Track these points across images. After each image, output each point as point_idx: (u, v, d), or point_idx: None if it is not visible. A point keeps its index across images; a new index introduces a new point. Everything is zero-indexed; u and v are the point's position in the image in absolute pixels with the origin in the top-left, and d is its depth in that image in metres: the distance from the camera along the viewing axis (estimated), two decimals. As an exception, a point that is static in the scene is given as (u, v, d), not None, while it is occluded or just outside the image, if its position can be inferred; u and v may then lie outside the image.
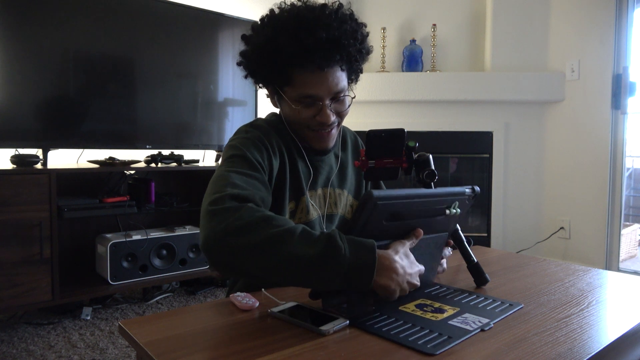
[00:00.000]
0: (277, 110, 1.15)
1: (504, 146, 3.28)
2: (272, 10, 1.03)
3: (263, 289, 0.91)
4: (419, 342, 0.71)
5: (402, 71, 3.36)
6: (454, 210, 0.92)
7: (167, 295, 2.57)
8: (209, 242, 0.77)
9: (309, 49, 0.95)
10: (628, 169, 3.55)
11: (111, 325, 2.16)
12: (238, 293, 0.88)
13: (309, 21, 0.97)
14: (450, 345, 0.70)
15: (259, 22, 1.04)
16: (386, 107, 3.32)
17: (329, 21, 0.97)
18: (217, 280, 2.78)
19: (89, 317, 2.23)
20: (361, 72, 1.12)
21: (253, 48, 1.03)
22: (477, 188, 0.97)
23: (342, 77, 1.03)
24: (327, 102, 1.01)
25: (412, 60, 3.33)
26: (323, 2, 1.03)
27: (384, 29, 3.34)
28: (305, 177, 1.09)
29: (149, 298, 2.50)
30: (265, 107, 3.11)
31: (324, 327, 0.73)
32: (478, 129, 3.29)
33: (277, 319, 0.79)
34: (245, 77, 1.09)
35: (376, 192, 0.77)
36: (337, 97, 1.03)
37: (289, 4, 1.03)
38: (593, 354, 0.69)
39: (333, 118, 1.03)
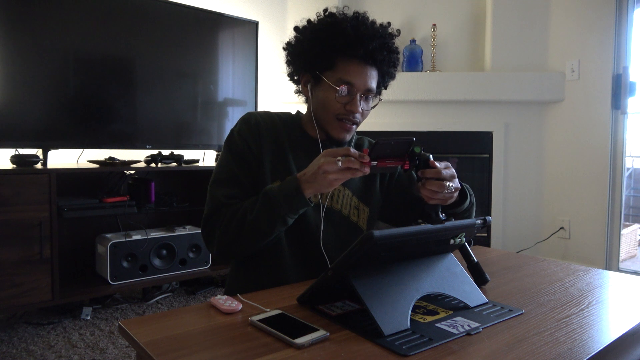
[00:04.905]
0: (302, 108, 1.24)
1: (504, 146, 3.28)
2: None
3: (239, 294, 0.91)
4: (396, 343, 0.70)
5: (402, 71, 3.36)
6: (459, 240, 0.90)
7: (167, 295, 2.57)
8: (216, 256, 1.09)
9: (363, 41, 1.07)
10: (628, 169, 3.55)
11: (111, 325, 2.16)
12: (219, 296, 0.87)
13: (366, 22, 1.12)
14: (427, 348, 0.69)
15: (321, 12, 1.16)
16: (386, 107, 3.32)
17: (382, 29, 1.14)
18: (217, 280, 2.78)
19: (89, 317, 2.23)
20: (385, 88, 1.23)
21: (311, 30, 1.13)
22: (488, 218, 0.95)
23: (376, 79, 1.14)
24: (359, 95, 1.11)
25: (412, 60, 3.33)
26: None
27: (384, 29, 3.34)
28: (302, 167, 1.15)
29: (149, 298, 2.50)
30: (265, 107, 3.11)
31: (298, 340, 0.70)
32: (478, 129, 3.28)
33: (256, 328, 0.77)
34: (287, 62, 1.20)
35: (377, 233, 0.74)
36: (367, 95, 1.13)
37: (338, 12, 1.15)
38: (593, 354, 0.69)
39: (360, 110, 1.12)
